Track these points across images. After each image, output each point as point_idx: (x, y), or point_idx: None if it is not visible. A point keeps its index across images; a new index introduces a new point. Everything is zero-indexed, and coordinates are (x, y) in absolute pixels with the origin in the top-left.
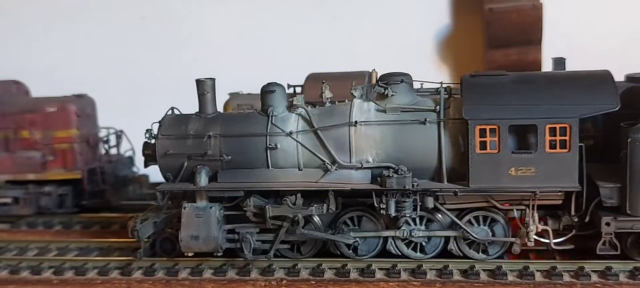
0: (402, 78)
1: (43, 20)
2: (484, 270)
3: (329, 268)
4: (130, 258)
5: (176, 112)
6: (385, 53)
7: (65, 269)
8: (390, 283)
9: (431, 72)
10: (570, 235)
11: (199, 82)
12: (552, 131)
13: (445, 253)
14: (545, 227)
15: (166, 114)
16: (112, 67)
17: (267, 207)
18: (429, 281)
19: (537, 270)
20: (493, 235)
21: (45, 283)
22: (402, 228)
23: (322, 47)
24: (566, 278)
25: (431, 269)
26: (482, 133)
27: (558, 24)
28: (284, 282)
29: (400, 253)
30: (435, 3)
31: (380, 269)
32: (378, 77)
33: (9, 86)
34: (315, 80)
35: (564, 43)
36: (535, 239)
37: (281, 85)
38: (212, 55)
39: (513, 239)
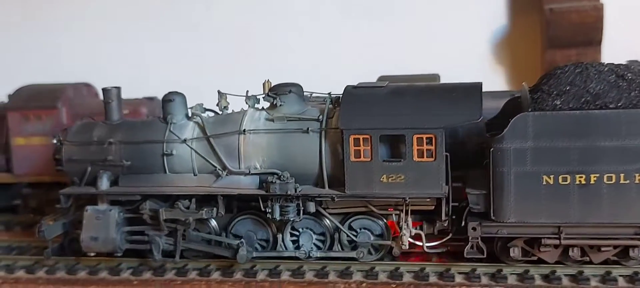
0: (290, 88)
1: (109, 21)
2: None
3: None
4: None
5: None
6: (442, 55)
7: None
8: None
9: (487, 74)
10: (444, 240)
11: (104, 91)
12: (420, 141)
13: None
14: (419, 232)
15: (76, 122)
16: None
17: (160, 210)
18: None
19: (408, 271)
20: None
21: None
22: (302, 249)
23: (380, 51)
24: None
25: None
26: (356, 142)
27: (619, 25)
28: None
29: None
30: (491, 4)
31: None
32: (270, 86)
33: (80, 88)
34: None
35: (624, 44)
36: (411, 242)
37: (181, 93)
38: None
39: (389, 242)
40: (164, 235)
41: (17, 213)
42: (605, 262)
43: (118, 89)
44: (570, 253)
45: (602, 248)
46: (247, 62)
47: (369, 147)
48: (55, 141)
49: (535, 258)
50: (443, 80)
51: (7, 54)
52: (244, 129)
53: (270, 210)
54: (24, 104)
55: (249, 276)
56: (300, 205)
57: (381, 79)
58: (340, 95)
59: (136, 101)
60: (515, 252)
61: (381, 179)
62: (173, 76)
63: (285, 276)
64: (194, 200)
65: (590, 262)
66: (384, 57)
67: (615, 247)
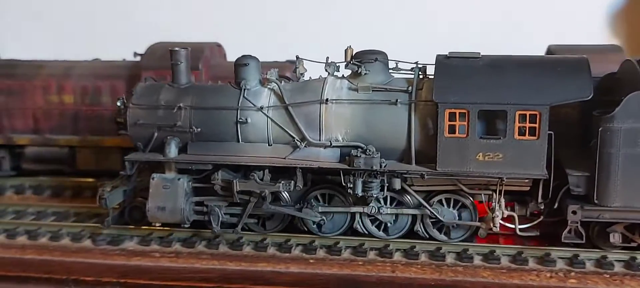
0: (376, 56)
1: None
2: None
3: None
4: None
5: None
6: (554, 28)
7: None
8: (359, 261)
9: None
10: (536, 221)
11: (172, 52)
12: (522, 118)
13: (411, 234)
14: (512, 213)
15: (139, 83)
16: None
17: (234, 181)
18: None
19: (504, 254)
20: (460, 218)
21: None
22: (371, 205)
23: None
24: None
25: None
26: (452, 117)
27: None
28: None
29: (366, 232)
30: None
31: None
32: (353, 54)
33: (214, 48)
34: None
35: None
36: (501, 224)
37: (255, 58)
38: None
39: (478, 223)
40: (224, 207)
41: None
42: None
43: (187, 49)
44: None
45: None
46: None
47: (466, 123)
48: (119, 103)
49: (635, 244)
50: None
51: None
52: (326, 98)
53: (351, 185)
54: (160, 63)
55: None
56: (385, 181)
57: (552, 50)
58: (426, 66)
59: (278, 64)
60: (615, 238)
61: (477, 157)
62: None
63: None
64: (267, 171)
65: None
66: (490, 29)
67: None
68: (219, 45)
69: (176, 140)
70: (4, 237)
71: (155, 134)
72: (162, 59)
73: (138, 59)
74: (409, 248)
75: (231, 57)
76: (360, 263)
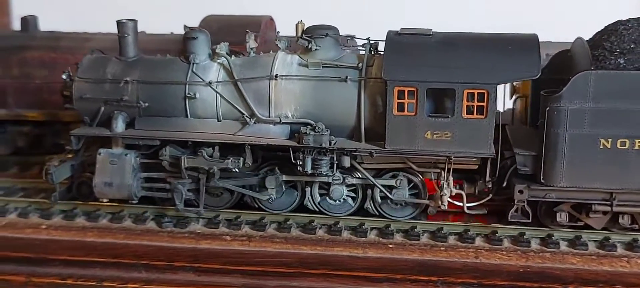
0: (327, 32)
1: None
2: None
3: (372, 228)
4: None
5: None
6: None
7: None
8: (440, 246)
9: None
10: (484, 200)
11: (119, 24)
12: (470, 96)
13: (361, 212)
14: (460, 191)
15: (86, 55)
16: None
17: (182, 157)
18: (479, 246)
19: (451, 233)
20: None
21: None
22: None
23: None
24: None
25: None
26: (401, 94)
27: None
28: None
29: (317, 209)
30: None
31: (425, 232)
32: (304, 28)
33: (267, 22)
34: None
35: None
36: (449, 202)
37: (205, 31)
38: None
39: (427, 201)
40: (187, 184)
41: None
42: None
43: (134, 22)
44: (620, 220)
45: None
46: None
47: (415, 101)
48: (64, 77)
49: (581, 224)
50: None
51: None
52: (276, 74)
53: (301, 163)
54: (215, 37)
55: (411, 238)
56: (335, 158)
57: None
58: (378, 42)
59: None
60: (562, 217)
61: (425, 135)
62: None
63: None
64: (217, 148)
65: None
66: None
67: None
68: (271, 19)
69: (123, 115)
70: (61, 218)
71: (102, 109)
72: (219, 32)
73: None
74: (490, 233)
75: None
76: (441, 248)
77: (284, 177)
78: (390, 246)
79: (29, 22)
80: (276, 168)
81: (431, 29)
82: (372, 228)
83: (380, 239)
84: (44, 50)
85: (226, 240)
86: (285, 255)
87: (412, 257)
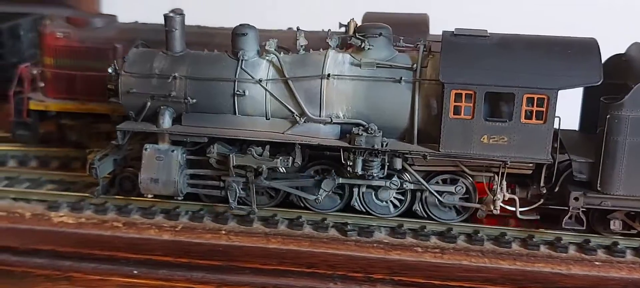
0: (380, 31)
1: None
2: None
3: (570, 243)
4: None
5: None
6: None
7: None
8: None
9: None
10: (537, 204)
11: (166, 18)
12: (529, 101)
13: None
14: (513, 196)
15: (132, 49)
16: None
17: (231, 155)
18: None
19: (515, 238)
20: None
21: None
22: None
23: None
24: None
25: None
26: (458, 97)
27: None
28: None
29: (365, 210)
30: None
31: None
32: (356, 27)
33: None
34: None
35: None
36: (501, 207)
37: (254, 27)
38: None
39: (478, 205)
40: (242, 182)
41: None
42: None
43: (182, 15)
44: None
45: None
46: None
47: (472, 104)
48: (110, 71)
49: (634, 232)
50: None
51: None
52: (328, 73)
53: (351, 163)
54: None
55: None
56: (386, 160)
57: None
58: (432, 43)
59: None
60: (616, 225)
61: (481, 139)
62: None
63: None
64: (267, 147)
65: None
66: None
67: None
68: (425, 16)
69: (170, 111)
70: (235, 222)
71: (149, 104)
72: None
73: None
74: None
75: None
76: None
77: (341, 180)
78: (597, 263)
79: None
80: (333, 171)
81: (487, 30)
82: (487, 237)
83: (583, 255)
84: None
85: (417, 252)
86: (487, 270)
87: (620, 275)
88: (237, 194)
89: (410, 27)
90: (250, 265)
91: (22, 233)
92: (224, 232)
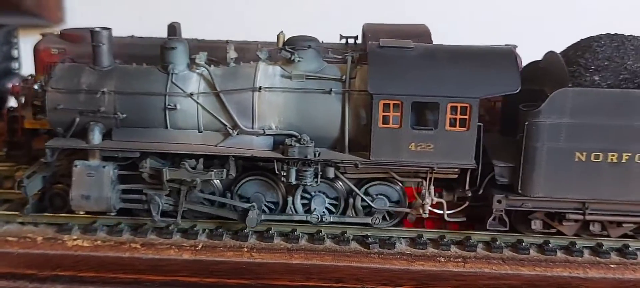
0: (309, 43)
1: None
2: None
3: (584, 247)
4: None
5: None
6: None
7: None
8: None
9: None
10: (462, 207)
11: (93, 32)
12: (453, 110)
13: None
14: (440, 200)
15: (58, 64)
16: None
17: (164, 170)
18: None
19: (429, 239)
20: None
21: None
22: (314, 214)
23: None
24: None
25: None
26: (386, 108)
27: None
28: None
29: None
30: None
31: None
32: (285, 39)
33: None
34: None
35: None
36: (429, 210)
37: (184, 40)
38: None
39: (408, 210)
40: (164, 195)
41: None
42: (623, 236)
43: (109, 30)
44: (590, 227)
45: (623, 224)
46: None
47: (399, 114)
48: (36, 87)
49: (553, 230)
50: None
51: None
52: (260, 86)
53: (285, 174)
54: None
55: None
56: (319, 169)
57: (368, 29)
58: (359, 54)
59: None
60: (536, 225)
61: (409, 147)
62: None
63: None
64: (201, 160)
65: (608, 236)
66: None
67: (635, 223)
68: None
69: (100, 126)
70: (306, 240)
71: (77, 119)
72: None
73: (343, 42)
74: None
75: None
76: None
77: (263, 216)
78: (612, 266)
79: (176, 28)
80: (255, 205)
81: (410, 41)
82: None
83: (598, 259)
84: None
85: (440, 262)
86: (509, 277)
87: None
88: (160, 207)
89: (414, 39)
90: (278, 282)
91: (36, 259)
92: (245, 249)
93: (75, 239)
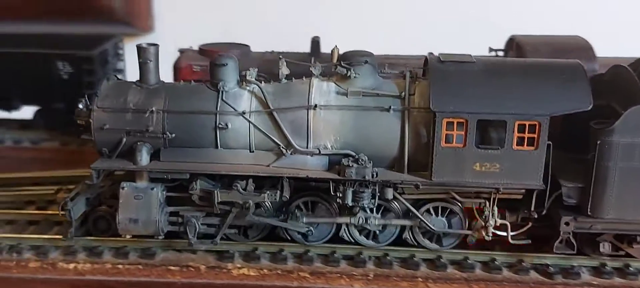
0: (366, 59)
1: None
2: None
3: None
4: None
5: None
6: None
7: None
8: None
9: None
10: (526, 227)
11: (140, 49)
12: (521, 128)
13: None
14: (504, 221)
15: (103, 82)
16: None
17: (215, 192)
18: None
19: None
20: (449, 226)
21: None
22: (358, 215)
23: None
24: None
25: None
26: (449, 126)
27: None
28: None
29: (352, 241)
30: None
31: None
32: (340, 55)
33: None
34: None
35: None
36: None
37: (234, 57)
38: None
39: (469, 232)
40: (201, 217)
41: None
42: None
43: (156, 47)
44: None
45: None
46: None
47: (464, 132)
48: (81, 106)
49: (622, 253)
50: None
51: None
52: (315, 104)
53: (340, 195)
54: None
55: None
56: (376, 190)
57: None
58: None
59: None
60: (605, 247)
61: (474, 167)
62: None
63: (478, 271)
64: (251, 180)
65: None
66: None
67: None
68: None
69: (147, 146)
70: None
71: (124, 139)
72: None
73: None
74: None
75: None
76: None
77: (308, 220)
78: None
79: (318, 43)
80: (297, 211)
81: (471, 54)
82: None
83: (602, 280)
84: None
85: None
86: None
87: None
88: (197, 229)
89: (575, 52)
90: None
91: None
92: (420, 279)
93: (239, 268)
